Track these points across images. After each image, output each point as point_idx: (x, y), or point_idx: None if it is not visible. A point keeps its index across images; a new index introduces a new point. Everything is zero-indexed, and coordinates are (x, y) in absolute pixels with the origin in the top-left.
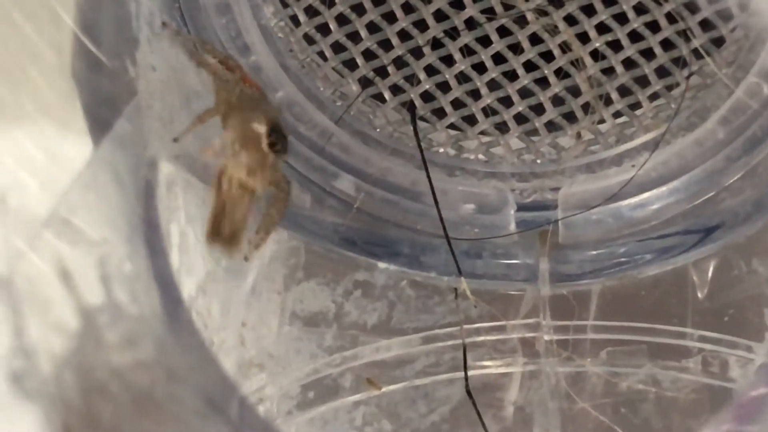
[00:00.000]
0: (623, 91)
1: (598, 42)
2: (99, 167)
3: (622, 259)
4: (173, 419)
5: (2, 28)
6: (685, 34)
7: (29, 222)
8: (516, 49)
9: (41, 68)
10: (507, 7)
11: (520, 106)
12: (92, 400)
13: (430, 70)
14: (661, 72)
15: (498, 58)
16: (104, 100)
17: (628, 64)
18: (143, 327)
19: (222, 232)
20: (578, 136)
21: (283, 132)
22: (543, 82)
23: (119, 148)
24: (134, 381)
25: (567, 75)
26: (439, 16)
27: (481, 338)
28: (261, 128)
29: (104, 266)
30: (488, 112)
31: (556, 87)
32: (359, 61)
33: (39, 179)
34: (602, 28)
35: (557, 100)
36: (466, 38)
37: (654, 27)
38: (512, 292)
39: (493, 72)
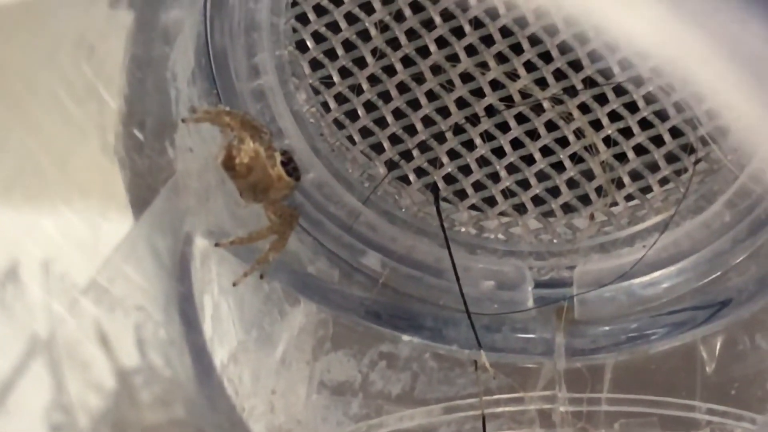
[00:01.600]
0: (635, 175)
1: (610, 129)
2: (138, 240)
3: (635, 335)
4: None
5: (50, 108)
6: (692, 123)
7: (71, 289)
8: (533, 134)
9: (85, 147)
10: (524, 96)
11: (537, 189)
12: None
13: (453, 154)
14: (670, 158)
15: (516, 143)
16: (144, 179)
17: (639, 150)
18: (176, 389)
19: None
20: (592, 217)
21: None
22: (559, 166)
23: (157, 223)
24: None
25: (581, 160)
26: (461, 103)
27: (500, 409)
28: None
29: (140, 331)
30: (507, 194)
31: (571, 171)
32: (386, 144)
33: (81, 250)
34: (614, 116)
35: (572, 183)
36: (486, 124)
37: (663, 115)
38: (530, 365)
39: (512, 156)
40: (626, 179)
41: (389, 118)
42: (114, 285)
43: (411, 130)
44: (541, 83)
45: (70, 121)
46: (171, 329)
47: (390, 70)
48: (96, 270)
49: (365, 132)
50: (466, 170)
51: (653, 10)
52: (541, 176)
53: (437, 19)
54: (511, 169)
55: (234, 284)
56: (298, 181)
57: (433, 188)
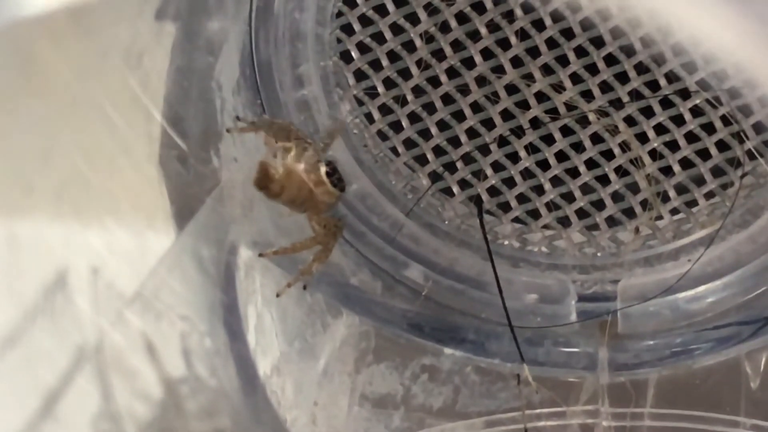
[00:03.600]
0: (680, 189)
1: (656, 142)
2: (182, 250)
3: (678, 349)
4: None
5: (96, 120)
6: (739, 136)
7: (117, 299)
8: (578, 147)
9: (131, 158)
10: (570, 108)
11: (581, 202)
12: None
13: (497, 166)
14: (717, 171)
15: (561, 156)
16: (189, 188)
17: (685, 163)
18: (221, 399)
19: None
20: (637, 231)
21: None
22: (603, 179)
23: (202, 233)
24: None
25: (626, 173)
26: (506, 115)
27: (542, 423)
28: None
29: (185, 341)
30: (551, 206)
31: (616, 184)
32: (429, 156)
33: (127, 261)
34: (660, 129)
35: (617, 197)
36: (531, 137)
37: (709, 129)
38: (572, 380)
39: (557, 169)
40: (672, 193)
41: (433, 130)
42: (159, 295)
43: (455, 141)
44: (587, 95)
45: (116, 132)
46: (216, 339)
47: (435, 82)
48: (141, 281)
49: (409, 143)
50: (510, 182)
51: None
52: (586, 189)
53: (483, 31)
54: (556, 181)
55: (277, 295)
56: (342, 191)
57: (477, 200)
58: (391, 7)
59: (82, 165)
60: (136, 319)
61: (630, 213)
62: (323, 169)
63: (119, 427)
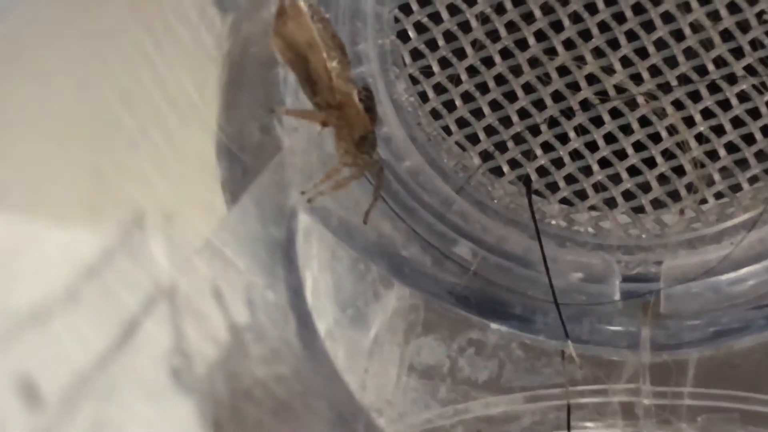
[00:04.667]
0: (725, 172)
1: (702, 126)
2: (248, 207)
3: (720, 330)
4: (308, 428)
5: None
6: None
7: (188, 246)
8: (626, 129)
9: (200, 117)
10: (619, 91)
11: (628, 184)
12: (239, 402)
13: (546, 147)
14: (761, 156)
15: (609, 138)
16: (252, 153)
17: (730, 147)
18: (283, 347)
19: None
20: (681, 213)
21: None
22: (650, 162)
23: (266, 194)
24: (275, 391)
25: (672, 156)
26: (557, 96)
27: (585, 400)
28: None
29: (249, 292)
30: (598, 188)
31: (662, 167)
32: (481, 136)
33: (198, 211)
34: (707, 114)
35: (663, 179)
36: (581, 118)
37: (755, 114)
38: (615, 358)
39: (604, 150)
40: (716, 176)
41: (486, 110)
42: (227, 246)
43: (506, 122)
44: (637, 79)
45: (186, 93)
46: (277, 294)
47: (488, 62)
48: (211, 231)
49: (461, 122)
50: (558, 163)
51: None
52: (633, 171)
53: (537, 13)
54: (603, 163)
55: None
56: (373, 122)
57: (526, 180)
58: None
59: (164, 107)
60: (205, 265)
61: (675, 196)
62: (356, 94)
63: (190, 364)
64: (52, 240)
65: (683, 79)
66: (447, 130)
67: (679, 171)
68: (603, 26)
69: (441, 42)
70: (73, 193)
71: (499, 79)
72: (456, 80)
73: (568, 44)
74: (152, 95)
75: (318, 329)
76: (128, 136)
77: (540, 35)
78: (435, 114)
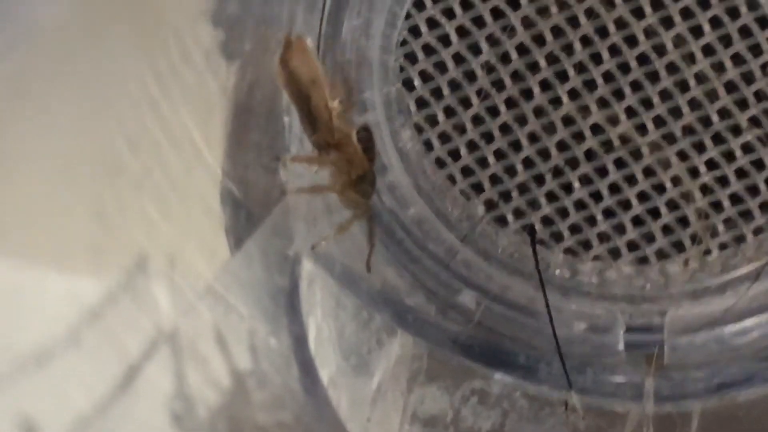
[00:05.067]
0: (729, 223)
1: (707, 177)
2: (252, 252)
3: (724, 381)
4: None
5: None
6: None
7: (191, 290)
8: (631, 180)
9: (204, 163)
10: (624, 141)
11: (632, 234)
12: None
13: (551, 196)
14: (766, 207)
15: (614, 188)
16: (257, 198)
17: (735, 199)
18: (285, 395)
19: None
20: (686, 264)
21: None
22: (654, 212)
23: (270, 240)
24: None
25: (677, 206)
26: (561, 146)
27: None
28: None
29: (252, 338)
30: (603, 238)
31: (667, 217)
32: (486, 185)
33: (201, 255)
34: (711, 164)
35: (667, 230)
36: (585, 168)
37: (759, 165)
38: (618, 409)
39: (609, 200)
40: (721, 227)
41: (490, 159)
42: (230, 291)
43: (511, 171)
44: (641, 129)
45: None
46: (280, 341)
47: (493, 111)
48: (215, 275)
49: (466, 171)
50: (563, 213)
51: None
52: (637, 221)
53: (542, 62)
54: (608, 213)
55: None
56: (371, 162)
57: (530, 230)
58: (454, 37)
59: (169, 152)
60: (207, 310)
61: (679, 246)
62: (354, 134)
63: (192, 409)
64: (54, 283)
65: (688, 130)
66: (452, 178)
67: (684, 222)
68: (608, 76)
69: (446, 91)
70: (76, 235)
71: (504, 128)
72: (461, 129)
73: (573, 94)
74: (157, 139)
75: (321, 377)
76: (132, 179)
77: (545, 85)
78: (440, 162)
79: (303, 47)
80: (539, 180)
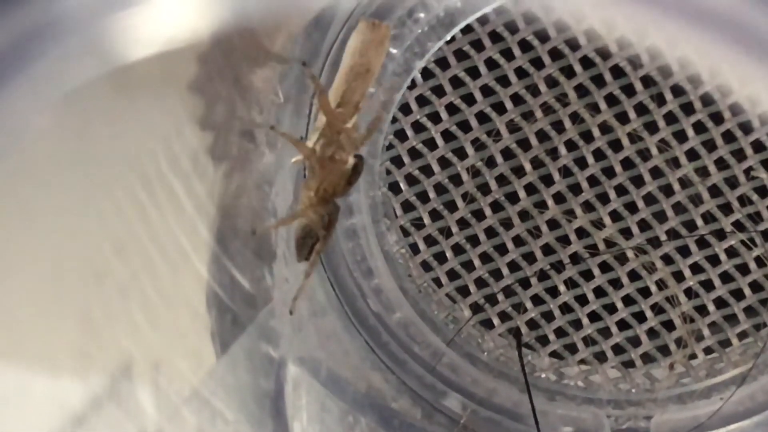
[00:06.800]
0: (714, 327)
1: (691, 281)
2: (238, 356)
3: None
4: None
5: (159, 229)
6: None
7: (176, 395)
8: (616, 283)
9: (190, 266)
10: (609, 245)
11: (618, 338)
12: None
13: (536, 300)
14: (750, 312)
15: (599, 292)
16: (242, 302)
17: (720, 303)
18: None
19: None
20: (671, 368)
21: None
22: (640, 316)
23: (255, 344)
24: None
25: (662, 310)
26: (546, 250)
27: None
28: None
29: None
30: (588, 341)
31: (652, 321)
32: (471, 288)
33: (185, 360)
34: (696, 269)
35: (652, 334)
36: (570, 272)
37: (744, 269)
38: None
39: (594, 304)
40: (706, 331)
41: (476, 262)
42: (215, 396)
43: (497, 274)
44: (626, 233)
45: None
46: None
47: (479, 215)
48: (200, 380)
49: (452, 275)
50: (548, 316)
51: None
52: (622, 325)
53: (527, 167)
54: (593, 317)
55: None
56: (345, 192)
57: (516, 333)
58: (440, 141)
59: (156, 257)
60: (192, 415)
61: (665, 350)
62: (351, 163)
63: None
64: (39, 387)
65: (672, 234)
66: (438, 282)
67: (669, 326)
68: (593, 180)
69: (432, 194)
70: (62, 339)
71: (490, 232)
72: (447, 233)
73: (558, 198)
74: (144, 243)
75: None
76: (119, 284)
77: (530, 188)
78: (426, 266)
79: (385, 35)
80: (524, 283)
